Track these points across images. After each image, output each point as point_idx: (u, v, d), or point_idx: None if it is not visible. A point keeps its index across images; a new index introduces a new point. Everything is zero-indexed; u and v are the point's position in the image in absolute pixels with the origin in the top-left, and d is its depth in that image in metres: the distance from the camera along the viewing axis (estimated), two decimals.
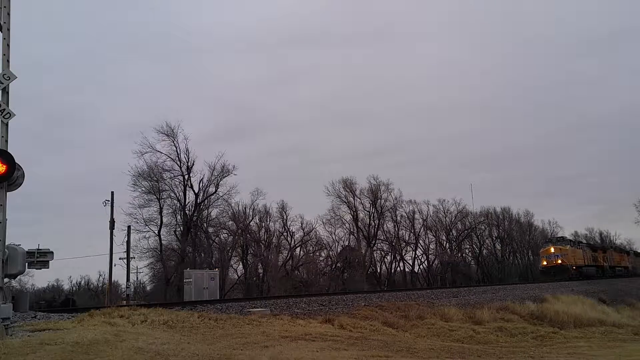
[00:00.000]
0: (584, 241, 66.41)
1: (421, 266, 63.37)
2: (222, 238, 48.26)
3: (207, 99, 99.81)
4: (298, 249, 53.35)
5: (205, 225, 44.94)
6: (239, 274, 49.31)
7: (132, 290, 43.53)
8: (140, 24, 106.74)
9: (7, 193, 8.21)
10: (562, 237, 53.94)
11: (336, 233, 56.56)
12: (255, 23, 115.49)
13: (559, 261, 45.26)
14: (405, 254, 60.95)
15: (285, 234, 53.24)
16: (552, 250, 46.58)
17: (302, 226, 53.68)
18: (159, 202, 41.54)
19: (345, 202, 57.59)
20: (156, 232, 41.57)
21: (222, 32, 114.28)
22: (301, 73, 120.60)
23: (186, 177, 42.48)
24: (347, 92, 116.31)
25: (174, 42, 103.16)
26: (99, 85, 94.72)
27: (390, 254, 59.27)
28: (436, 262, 62.89)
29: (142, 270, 48.32)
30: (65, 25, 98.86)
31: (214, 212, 45.69)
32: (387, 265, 59.88)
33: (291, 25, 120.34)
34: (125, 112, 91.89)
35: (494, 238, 70.81)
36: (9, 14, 8.40)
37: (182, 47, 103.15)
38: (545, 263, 47.31)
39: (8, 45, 8.35)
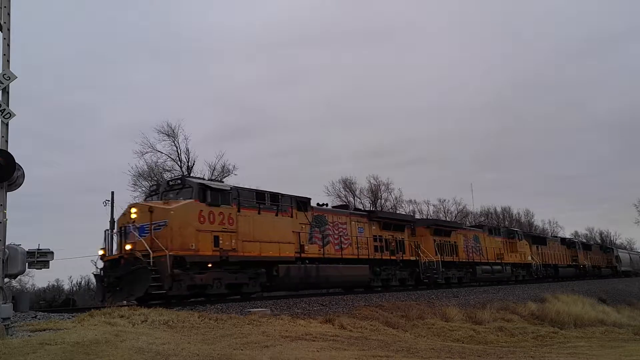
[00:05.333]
0: (351, 206, 36.00)
1: None
2: None
3: (207, 99, 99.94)
4: None
5: None
6: None
7: None
8: (141, 24, 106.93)
9: (7, 193, 8.22)
10: (179, 177, 18.14)
11: None
12: (255, 23, 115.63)
13: (128, 247, 13.98)
14: None
15: None
16: (133, 215, 14.74)
17: None
18: None
19: (345, 202, 57.64)
20: None
21: (222, 32, 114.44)
22: (302, 73, 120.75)
23: None
24: (347, 92, 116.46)
25: (174, 42, 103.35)
26: (99, 85, 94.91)
27: None
28: None
29: None
30: (66, 25, 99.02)
31: None
32: None
33: (292, 26, 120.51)
34: (126, 112, 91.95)
35: None
36: (9, 14, 8.41)
37: (183, 47, 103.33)
38: (101, 253, 15.33)
39: (8, 45, 8.36)
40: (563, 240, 47.00)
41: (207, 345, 8.29)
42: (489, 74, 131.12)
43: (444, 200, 66.08)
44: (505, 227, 42.08)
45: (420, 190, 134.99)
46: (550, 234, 69.94)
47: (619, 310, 29.24)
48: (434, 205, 65.09)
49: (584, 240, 62.25)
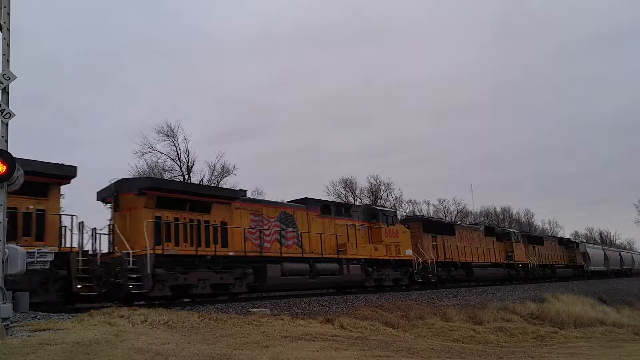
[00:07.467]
0: None
1: None
2: None
3: (207, 99, 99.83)
4: None
5: None
6: None
7: None
8: (141, 23, 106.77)
9: (7, 193, 8.21)
10: None
11: None
12: (256, 23, 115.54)
13: None
14: None
15: None
16: None
17: None
18: None
19: (345, 201, 57.77)
20: None
21: (223, 32, 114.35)
22: (302, 73, 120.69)
23: (186, 177, 42.55)
24: (348, 93, 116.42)
25: (174, 42, 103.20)
26: (99, 85, 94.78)
27: None
28: None
29: None
30: (67, 25, 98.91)
31: None
32: None
33: (292, 25, 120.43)
34: (125, 112, 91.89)
35: None
36: (9, 14, 8.39)
37: (183, 47, 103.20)
38: None
39: (8, 45, 8.35)
40: (490, 230, 33.69)
41: (207, 345, 8.29)
42: (489, 74, 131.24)
43: (444, 200, 66.19)
44: (365, 205, 30.10)
45: (420, 190, 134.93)
46: (550, 234, 69.62)
47: (619, 310, 29.25)
48: (434, 205, 65.21)
49: (530, 233, 51.90)
